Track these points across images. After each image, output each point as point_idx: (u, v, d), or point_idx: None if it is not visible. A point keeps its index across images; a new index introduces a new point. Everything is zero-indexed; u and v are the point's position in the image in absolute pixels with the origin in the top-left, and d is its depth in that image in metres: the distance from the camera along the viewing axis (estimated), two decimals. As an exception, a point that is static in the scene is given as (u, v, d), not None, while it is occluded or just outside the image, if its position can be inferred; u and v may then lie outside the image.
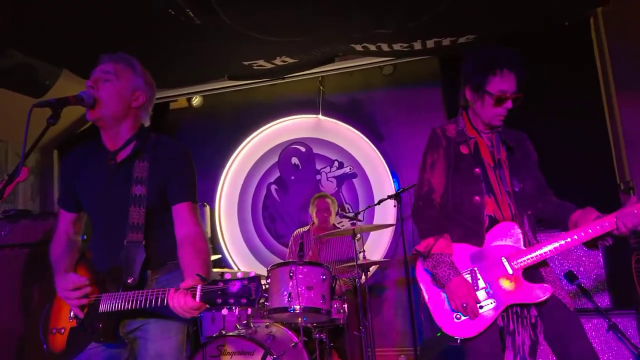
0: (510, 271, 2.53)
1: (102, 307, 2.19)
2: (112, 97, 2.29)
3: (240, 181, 6.70)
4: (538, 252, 2.53)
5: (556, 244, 2.51)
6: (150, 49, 4.61)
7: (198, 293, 1.94)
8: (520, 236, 2.59)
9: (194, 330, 5.32)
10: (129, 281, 2.18)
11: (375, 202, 5.32)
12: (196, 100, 6.81)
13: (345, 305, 4.36)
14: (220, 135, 6.75)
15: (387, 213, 6.02)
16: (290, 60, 5.17)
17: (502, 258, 2.55)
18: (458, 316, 2.53)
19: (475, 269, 2.58)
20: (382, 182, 6.19)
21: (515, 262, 2.53)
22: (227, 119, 6.80)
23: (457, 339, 2.54)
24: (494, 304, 2.51)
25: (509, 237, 2.59)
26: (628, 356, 3.83)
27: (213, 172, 6.65)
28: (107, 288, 2.22)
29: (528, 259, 2.53)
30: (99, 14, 3.99)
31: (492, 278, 2.55)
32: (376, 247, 6.09)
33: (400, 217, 4.99)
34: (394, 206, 5.08)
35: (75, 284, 2.22)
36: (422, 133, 5.88)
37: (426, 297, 2.64)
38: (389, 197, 5.01)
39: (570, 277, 3.99)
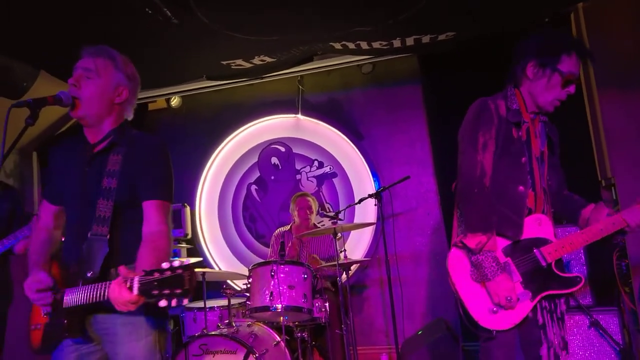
0: (544, 262, 2.53)
1: (65, 302, 2.16)
2: (95, 96, 2.27)
3: (220, 182, 6.67)
4: (569, 243, 2.54)
5: (583, 237, 2.55)
6: (126, 48, 4.53)
7: (135, 285, 1.87)
8: (552, 228, 2.59)
9: (176, 329, 5.30)
10: (89, 275, 2.12)
11: (356, 201, 5.32)
12: (175, 101, 6.75)
13: (327, 304, 4.35)
14: (199, 136, 6.70)
15: (367, 212, 6.03)
16: (268, 60, 5.14)
17: (535, 249, 2.55)
18: (495, 309, 2.52)
19: (509, 260, 2.56)
20: (363, 181, 6.17)
21: (548, 254, 2.53)
22: (206, 119, 6.75)
23: (493, 332, 2.53)
24: (529, 296, 2.52)
25: (541, 228, 2.59)
26: (610, 352, 3.88)
27: (193, 173, 6.61)
28: (70, 282, 2.18)
29: (560, 250, 2.54)
30: (74, 14, 3.93)
31: (526, 270, 2.54)
32: (357, 246, 6.09)
33: (380, 216, 4.98)
34: (375, 205, 5.06)
35: (39, 286, 2.18)
36: (401, 131, 6.03)
37: (460, 291, 2.60)
38: (370, 196, 5.00)
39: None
